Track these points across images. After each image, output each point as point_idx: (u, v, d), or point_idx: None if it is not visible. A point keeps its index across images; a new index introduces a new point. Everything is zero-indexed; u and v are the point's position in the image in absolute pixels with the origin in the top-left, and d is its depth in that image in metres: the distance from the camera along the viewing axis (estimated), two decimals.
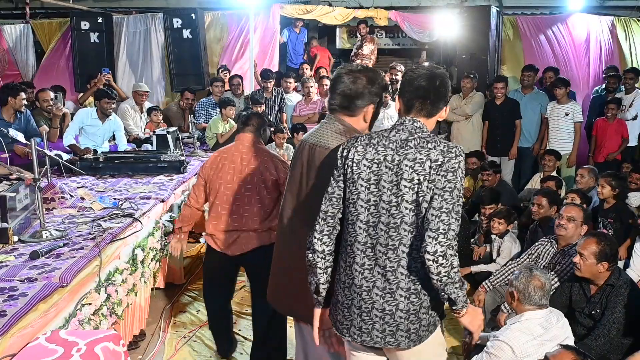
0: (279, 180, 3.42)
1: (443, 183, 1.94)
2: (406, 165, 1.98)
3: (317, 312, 2.27)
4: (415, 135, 2.03)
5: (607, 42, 9.19)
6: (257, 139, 3.60)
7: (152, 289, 4.35)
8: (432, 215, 1.93)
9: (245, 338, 4.09)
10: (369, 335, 2.09)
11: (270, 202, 3.47)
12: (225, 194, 3.52)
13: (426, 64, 2.17)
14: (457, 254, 1.95)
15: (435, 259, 1.89)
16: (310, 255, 2.16)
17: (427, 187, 1.95)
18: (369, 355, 2.22)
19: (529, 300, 2.93)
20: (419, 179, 1.96)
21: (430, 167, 1.95)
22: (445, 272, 1.91)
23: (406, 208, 1.98)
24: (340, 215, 2.14)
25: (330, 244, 2.15)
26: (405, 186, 1.98)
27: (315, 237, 2.14)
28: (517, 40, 9.29)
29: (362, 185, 2.05)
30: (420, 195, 1.96)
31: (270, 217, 3.48)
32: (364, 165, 2.05)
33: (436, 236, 1.90)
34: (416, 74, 2.09)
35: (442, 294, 1.97)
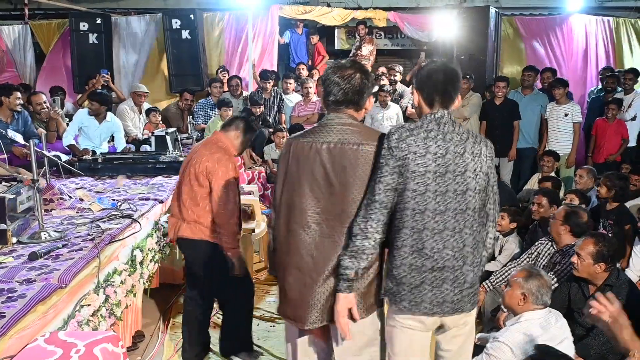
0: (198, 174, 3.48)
1: (493, 174, 2.42)
2: (468, 157, 2.29)
3: (351, 296, 2.34)
4: (459, 129, 2.34)
5: (605, 43, 9.21)
6: (223, 138, 3.64)
7: (146, 289, 4.37)
8: (491, 206, 2.40)
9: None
10: (459, 304, 2.34)
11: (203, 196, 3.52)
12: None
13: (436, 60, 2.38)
14: None
15: (492, 242, 2.46)
16: (361, 241, 2.27)
17: (485, 175, 2.35)
18: (424, 332, 2.41)
19: (539, 300, 2.94)
20: (480, 168, 2.32)
21: (486, 158, 2.37)
22: (492, 251, 2.56)
23: (470, 196, 2.29)
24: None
25: (383, 233, 2.30)
26: (469, 176, 2.28)
27: (371, 226, 2.26)
28: (517, 41, 9.31)
29: (429, 178, 2.23)
30: (479, 183, 2.31)
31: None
32: (429, 159, 2.23)
33: (493, 224, 2.43)
34: (434, 69, 2.34)
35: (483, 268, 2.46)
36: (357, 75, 2.40)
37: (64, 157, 5.34)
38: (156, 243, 3.97)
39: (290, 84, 8.27)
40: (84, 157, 5.31)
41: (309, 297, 2.39)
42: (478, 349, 3.09)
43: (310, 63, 9.84)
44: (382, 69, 8.92)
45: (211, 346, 3.95)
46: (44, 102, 6.06)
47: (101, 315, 2.91)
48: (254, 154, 7.16)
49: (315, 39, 10.04)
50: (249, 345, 3.90)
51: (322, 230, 2.37)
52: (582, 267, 3.27)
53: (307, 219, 2.38)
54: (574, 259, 3.31)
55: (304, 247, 2.39)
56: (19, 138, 4.60)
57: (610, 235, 4.35)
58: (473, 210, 2.30)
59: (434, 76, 2.29)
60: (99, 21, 8.81)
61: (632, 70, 7.76)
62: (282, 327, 4.05)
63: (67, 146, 5.68)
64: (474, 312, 2.47)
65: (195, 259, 3.68)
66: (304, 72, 8.87)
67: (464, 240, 2.29)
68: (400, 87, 8.55)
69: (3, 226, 3.01)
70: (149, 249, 3.79)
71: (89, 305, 2.79)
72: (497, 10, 8.76)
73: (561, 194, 5.61)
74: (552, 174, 6.11)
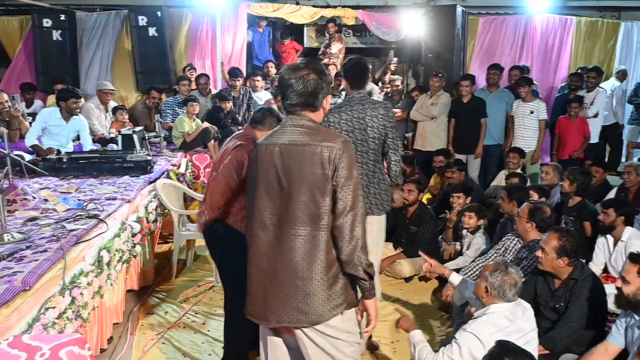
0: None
1: (391, 125, 3.70)
2: (367, 119, 3.53)
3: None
4: (365, 103, 3.67)
5: (569, 41, 9.43)
6: (252, 133, 3.53)
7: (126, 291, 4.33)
8: (389, 142, 3.72)
9: (214, 339, 4.05)
10: None
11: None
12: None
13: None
14: None
15: (395, 163, 3.85)
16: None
17: (382, 127, 3.68)
18: None
19: (502, 296, 2.98)
20: (378, 124, 3.64)
21: (383, 117, 3.62)
22: (398, 169, 3.93)
23: (371, 141, 3.73)
24: None
25: None
26: (369, 130, 3.70)
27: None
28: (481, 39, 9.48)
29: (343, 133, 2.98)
30: (376, 133, 3.65)
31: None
32: (342, 123, 3.15)
33: (394, 152, 3.80)
34: (351, 64, 3.72)
35: None
36: (310, 76, 2.36)
37: (28, 157, 5.23)
38: (124, 243, 3.92)
39: (258, 81, 8.24)
40: (48, 156, 5.20)
41: (268, 297, 2.39)
42: (446, 340, 3.15)
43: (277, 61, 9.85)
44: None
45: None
46: (6, 101, 5.91)
47: (67, 317, 2.86)
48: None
49: (287, 42, 10.11)
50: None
51: (275, 231, 2.37)
52: (546, 262, 3.35)
53: (264, 220, 2.39)
54: (539, 253, 3.38)
55: (262, 247, 2.40)
56: None
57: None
58: (373, 150, 3.66)
59: (351, 68, 3.33)
60: (63, 18, 8.62)
61: (595, 69, 7.96)
62: None
63: (30, 146, 5.55)
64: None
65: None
66: (272, 70, 8.84)
67: (369, 167, 3.65)
68: (369, 85, 8.59)
69: None
70: (116, 250, 3.74)
71: (54, 307, 2.75)
72: (463, 9, 8.87)
73: None
74: (518, 171, 6.22)
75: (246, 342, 3.60)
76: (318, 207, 2.28)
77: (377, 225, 3.76)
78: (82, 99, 6.15)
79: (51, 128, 5.74)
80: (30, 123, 5.93)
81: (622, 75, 8.80)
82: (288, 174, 2.32)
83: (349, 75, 3.83)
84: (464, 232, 4.95)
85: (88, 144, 6.01)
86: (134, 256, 4.22)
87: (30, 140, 5.58)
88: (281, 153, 2.35)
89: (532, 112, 6.95)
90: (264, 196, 2.39)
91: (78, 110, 5.85)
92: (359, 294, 2.43)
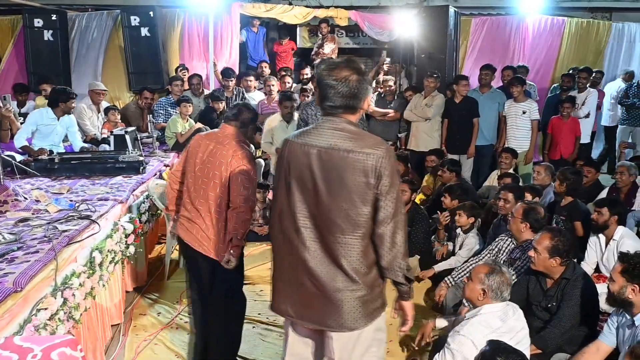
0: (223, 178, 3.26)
1: None
2: None
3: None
4: None
5: (560, 42, 9.48)
6: (238, 133, 3.39)
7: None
8: None
9: None
10: None
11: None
12: (189, 183, 3.39)
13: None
14: None
15: None
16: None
17: None
18: None
19: (499, 297, 3.00)
20: None
21: None
22: None
23: None
24: None
25: None
26: None
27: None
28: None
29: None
30: None
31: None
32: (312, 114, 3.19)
33: None
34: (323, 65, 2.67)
35: None
36: (353, 78, 2.27)
37: (19, 158, 5.19)
38: (116, 244, 3.91)
39: (250, 81, 8.22)
40: (39, 157, 5.17)
41: (304, 299, 2.37)
42: (439, 344, 3.15)
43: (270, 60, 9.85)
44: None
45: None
46: None
47: (59, 318, 2.85)
48: None
49: (285, 42, 10.13)
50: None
51: (310, 236, 2.32)
52: (539, 261, 3.36)
53: (297, 223, 2.32)
54: (532, 253, 3.40)
55: (296, 251, 2.34)
56: None
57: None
58: None
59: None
60: (54, 17, 8.56)
61: (586, 69, 8.01)
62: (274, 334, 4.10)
63: (19, 148, 5.51)
64: None
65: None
66: (267, 70, 8.83)
67: None
68: None
69: None
70: (108, 251, 3.72)
71: (46, 308, 2.73)
72: (456, 9, 8.90)
73: None
74: (511, 171, 6.24)
75: (239, 341, 3.61)
76: (358, 215, 2.25)
77: None
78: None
79: (44, 128, 5.70)
80: (22, 124, 5.89)
81: (628, 77, 8.80)
82: (327, 180, 2.26)
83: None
84: (458, 231, 4.96)
85: (77, 141, 5.99)
86: (128, 257, 4.20)
87: (19, 141, 5.54)
88: (320, 156, 2.27)
89: (524, 112, 6.97)
90: (297, 197, 2.33)
91: (72, 110, 5.83)
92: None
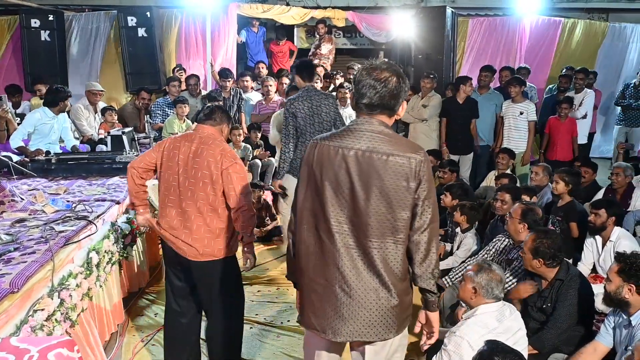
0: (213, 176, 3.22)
1: (337, 112, 5.01)
2: (323, 107, 4.96)
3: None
4: (320, 94, 4.87)
5: (558, 42, 9.50)
6: (218, 132, 3.40)
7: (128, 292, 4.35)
8: (338, 118, 4.71)
9: (204, 340, 4.02)
10: None
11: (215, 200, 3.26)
12: (172, 186, 3.30)
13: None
14: None
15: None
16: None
17: (334, 112, 4.91)
18: None
19: (490, 294, 2.99)
20: (329, 110, 4.84)
21: (332, 105, 4.91)
22: None
23: (326, 121, 4.88)
24: None
25: None
26: (324, 115, 4.84)
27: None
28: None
29: (305, 119, 3.66)
30: (329, 116, 4.85)
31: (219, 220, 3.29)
32: (304, 110, 3.78)
33: (340, 124, 4.04)
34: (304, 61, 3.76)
35: None
36: (394, 79, 2.24)
37: (16, 158, 5.18)
38: (114, 245, 3.90)
39: (247, 82, 8.22)
40: (36, 157, 5.16)
41: (341, 309, 2.29)
42: (436, 345, 3.15)
43: (270, 62, 9.84)
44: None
45: None
46: None
47: (56, 319, 2.84)
48: None
49: (282, 42, 10.13)
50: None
51: (346, 241, 2.26)
52: (526, 262, 3.39)
53: (331, 228, 2.26)
54: (521, 252, 3.41)
55: (329, 257, 2.28)
56: None
57: (557, 231, 4.46)
58: (327, 122, 4.76)
59: (303, 65, 3.82)
60: (51, 18, 8.57)
61: (583, 70, 8.02)
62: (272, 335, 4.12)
63: (15, 148, 5.50)
64: None
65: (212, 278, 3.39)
66: (264, 71, 8.83)
67: None
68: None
69: None
70: (105, 251, 3.72)
71: (42, 309, 2.72)
72: (453, 10, 8.91)
73: None
74: (508, 171, 6.25)
75: (241, 341, 3.62)
76: (396, 220, 2.21)
77: None
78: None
79: (43, 127, 5.68)
80: (19, 124, 5.88)
81: None
82: (366, 183, 2.21)
83: (301, 72, 4.88)
84: (457, 230, 4.96)
85: (70, 138, 6.00)
86: (125, 257, 4.19)
87: (15, 142, 5.51)
88: (358, 159, 2.22)
89: (521, 113, 6.98)
90: (331, 201, 2.26)
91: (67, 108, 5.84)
92: None
